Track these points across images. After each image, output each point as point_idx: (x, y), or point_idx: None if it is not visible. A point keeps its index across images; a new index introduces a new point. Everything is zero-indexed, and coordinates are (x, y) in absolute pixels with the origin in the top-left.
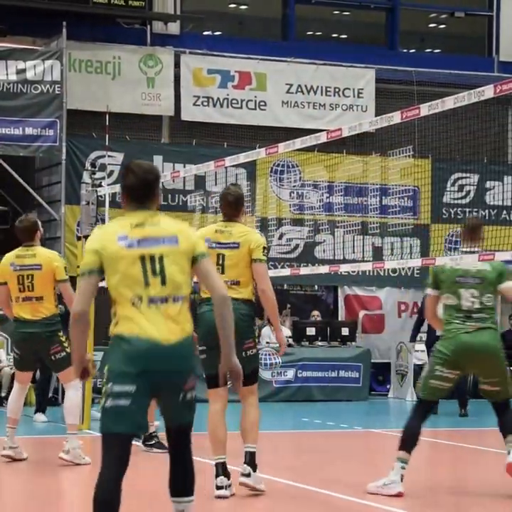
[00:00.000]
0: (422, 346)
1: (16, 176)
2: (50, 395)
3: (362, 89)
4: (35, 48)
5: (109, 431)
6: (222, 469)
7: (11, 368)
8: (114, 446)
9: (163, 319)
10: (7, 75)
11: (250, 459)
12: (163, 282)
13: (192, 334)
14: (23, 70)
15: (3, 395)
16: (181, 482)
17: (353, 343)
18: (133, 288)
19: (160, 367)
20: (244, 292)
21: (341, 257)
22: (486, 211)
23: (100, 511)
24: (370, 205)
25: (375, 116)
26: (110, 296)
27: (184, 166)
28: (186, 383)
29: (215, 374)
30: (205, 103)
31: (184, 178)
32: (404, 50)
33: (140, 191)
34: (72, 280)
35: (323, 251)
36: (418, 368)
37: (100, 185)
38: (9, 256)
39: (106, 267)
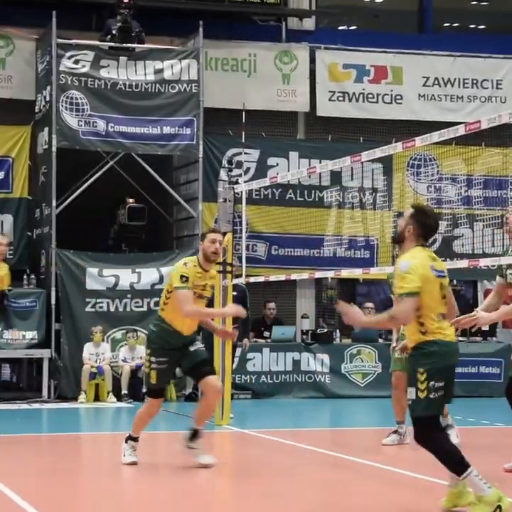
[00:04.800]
0: None
1: (154, 174)
2: (190, 390)
3: (501, 80)
4: (172, 47)
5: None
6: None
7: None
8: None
9: None
10: (145, 75)
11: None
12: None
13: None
14: (161, 70)
15: (125, 391)
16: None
17: (494, 339)
18: (437, 307)
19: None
20: None
21: (480, 251)
22: None
23: None
24: (511, 197)
25: None
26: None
27: (320, 162)
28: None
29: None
30: (341, 98)
31: (320, 173)
32: None
33: (434, 232)
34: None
35: (462, 245)
36: None
37: (237, 183)
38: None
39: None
